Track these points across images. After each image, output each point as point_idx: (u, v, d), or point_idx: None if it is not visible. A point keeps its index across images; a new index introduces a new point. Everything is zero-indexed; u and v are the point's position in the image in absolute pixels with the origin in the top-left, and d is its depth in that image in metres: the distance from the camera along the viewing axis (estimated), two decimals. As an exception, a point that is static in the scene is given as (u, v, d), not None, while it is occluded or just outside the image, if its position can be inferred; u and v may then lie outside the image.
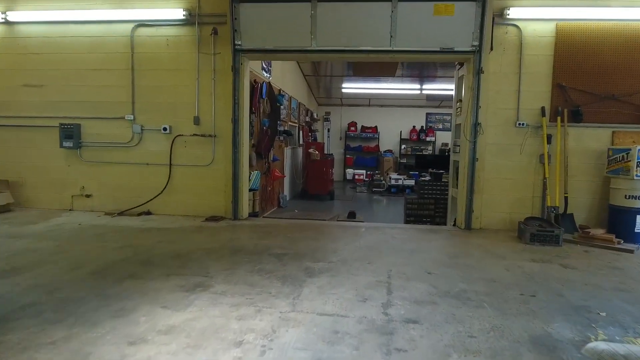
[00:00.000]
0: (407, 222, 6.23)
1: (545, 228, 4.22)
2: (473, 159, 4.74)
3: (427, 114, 14.47)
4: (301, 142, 10.52)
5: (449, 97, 13.36)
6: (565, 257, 3.68)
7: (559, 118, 4.66)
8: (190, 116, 5.09)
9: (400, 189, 11.15)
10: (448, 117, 14.35)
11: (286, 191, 9.12)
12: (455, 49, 4.63)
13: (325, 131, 14.62)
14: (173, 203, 5.23)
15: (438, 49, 4.64)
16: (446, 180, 6.23)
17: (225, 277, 2.90)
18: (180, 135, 5.15)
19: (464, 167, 4.83)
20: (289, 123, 9.33)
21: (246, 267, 3.12)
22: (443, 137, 14.32)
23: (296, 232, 4.45)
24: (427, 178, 6.22)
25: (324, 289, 2.70)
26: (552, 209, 4.60)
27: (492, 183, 4.81)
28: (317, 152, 9.49)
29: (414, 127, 14.25)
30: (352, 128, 14.46)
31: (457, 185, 5.53)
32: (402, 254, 3.64)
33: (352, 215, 7.33)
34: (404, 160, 14.21)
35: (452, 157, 5.80)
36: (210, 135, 5.08)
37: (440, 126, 14.42)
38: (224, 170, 5.08)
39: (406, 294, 2.64)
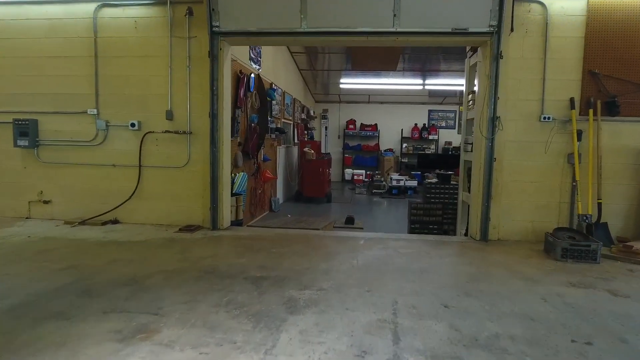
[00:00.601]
0: (411, 230, 5.56)
1: (579, 241, 3.53)
2: (490, 159, 4.06)
3: (430, 111, 13.79)
4: (296, 140, 9.84)
5: (453, 93, 12.68)
6: (610, 280, 3.00)
7: (591, 111, 3.98)
8: (162, 110, 4.41)
9: (401, 191, 10.47)
10: (452, 115, 13.67)
11: (279, 194, 8.43)
12: (470, 30, 3.95)
13: (323, 129, 13.93)
14: (143, 210, 4.54)
15: (449, 30, 3.95)
16: (455, 183, 5.56)
17: (181, 314, 2.21)
18: (150, 132, 4.46)
19: (479, 169, 4.15)
20: (283, 120, 8.65)
21: (212, 299, 2.44)
22: (446, 135, 13.64)
23: (283, 245, 3.78)
24: (434, 180, 5.53)
25: (309, 334, 2.02)
26: (584, 218, 3.93)
27: (511, 187, 4.13)
28: (312, 152, 8.81)
29: (415, 124, 13.57)
30: (351, 126, 13.77)
31: (468, 188, 4.85)
32: (409, 276, 2.96)
33: (350, 221, 6.66)
34: (405, 160, 13.52)
35: (463, 157, 5.12)
36: (185, 132, 4.40)
37: (444, 124, 13.74)
38: (202, 172, 4.40)
39: (419, 343, 1.96)
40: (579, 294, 2.68)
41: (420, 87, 11.72)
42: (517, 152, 4.10)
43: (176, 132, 4.40)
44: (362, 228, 6.48)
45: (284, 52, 8.84)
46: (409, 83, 11.52)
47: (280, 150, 8.45)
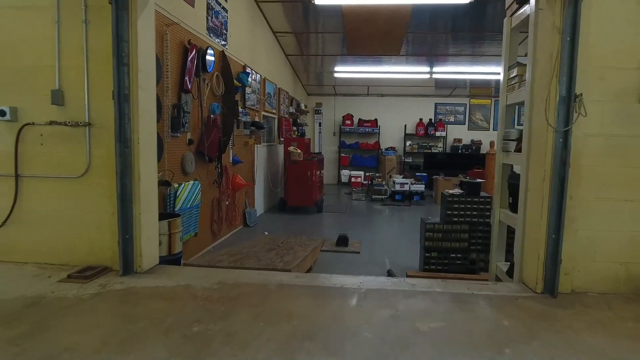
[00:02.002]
0: (426, 261, 4.01)
1: None
2: (562, 164, 2.51)
3: (437, 104, 12.25)
4: (282, 138, 8.29)
5: (462, 84, 11.11)
6: None
7: None
8: (46, 91, 2.86)
9: (406, 196, 8.94)
10: (461, 108, 12.14)
11: (258, 203, 6.88)
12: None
13: (316, 125, 12.39)
14: (24, 242, 3.00)
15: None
16: (488, 195, 4.01)
17: None
18: (30, 123, 2.91)
19: (542, 179, 2.60)
20: (263, 112, 7.10)
21: None
22: (455, 132, 12.10)
23: (218, 314, 2.24)
24: (457, 191, 3.99)
25: None
26: None
27: (593, 208, 2.58)
28: (299, 151, 7.26)
29: (420, 120, 12.03)
30: (348, 122, 12.23)
31: (510, 205, 3.32)
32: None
33: (342, 242, 5.14)
34: (409, 160, 12.00)
35: (500, 160, 3.59)
36: (82, 124, 2.85)
37: (452, 119, 12.21)
38: (109, 186, 2.85)
39: None
40: None
41: (427, 76, 10.16)
42: (605, 153, 2.55)
43: (69, 124, 2.85)
44: (358, 252, 4.94)
45: (266, 31, 7.29)
46: (413, 71, 9.96)
47: (259, 150, 6.90)
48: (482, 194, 4.03)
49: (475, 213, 3.95)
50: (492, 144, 8.80)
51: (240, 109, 5.66)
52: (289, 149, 7.26)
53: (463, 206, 3.95)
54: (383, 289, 2.64)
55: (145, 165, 2.88)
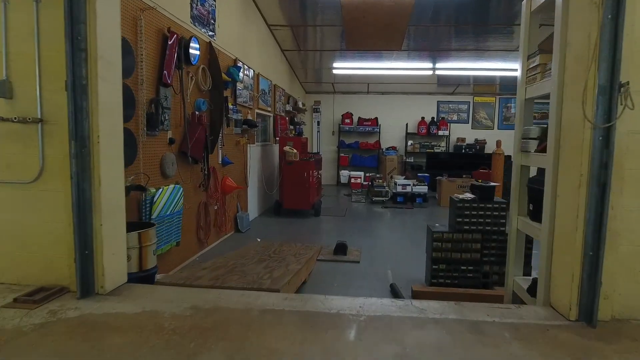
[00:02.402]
0: (434, 273, 3.59)
1: None
2: (603, 167, 2.08)
3: (439, 102, 11.85)
4: (277, 137, 7.88)
5: (466, 80, 10.70)
6: None
7: None
8: (-9, 80, 2.44)
9: (408, 198, 8.52)
10: (464, 106, 11.73)
11: (251, 207, 6.47)
12: None
13: (315, 124, 11.98)
14: (-30, 258, 2.58)
15: None
16: (503, 201, 3.59)
17: None
18: (-27, 119, 2.49)
19: (575, 185, 2.18)
20: (257, 110, 6.68)
21: None
22: (458, 131, 11.70)
23: (186, 354, 1.82)
24: (468, 196, 3.57)
25: None
26: None
27: (639, 219, 2.17)
28: (295, 151, 6.84)
29: (422, 118, 11.63)
30: (347, 120, 11.82)
31: (530, 213, 2.92)
32: None
33: (341, 250, 4.73)
34: (410, 160, 11.58)
35: (518, 161, 3.17)
36: (33, 120, 2.43)
37: (455, 117, 11.81)
38: (65, 192, 2.43)
39: None
40: None
41: (429, 73, 9.75)
42: (653, 154, 2.14)
43: (16, 120, 2.43)
44: (357, 261, 4.53)
45: (260, 24, 6.87)
46: (415, 67, 9.55)
47: (253, 150, 6.49)
48: (496, 198, 3.60)
49: (489, 220, 3.53)
50: (498, 143, 8.38)
51: (230, 106, 5.24)
52: (284, 148, 6.85)
53: (475, 213, 3.53)
54: (387, 316, 2.22)
55: (108, 168, 2.46)
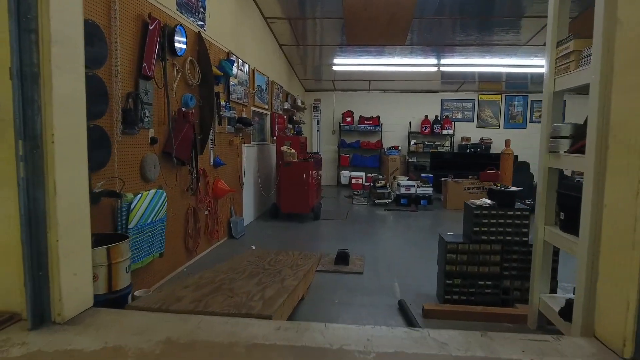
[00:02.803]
0: (447, 289, 3.20)
1: None
2: (668, 173, 1.69)
3: (443, 100, 11.46)
4: (275, 136, 7.49)
5: (471, 77, 10.28)
6: None
7: None
8: None
9: (412, 200, 8.13)
10: (469, 104, 11.34)
11: (247, 211, 6.07)
12: None
13: (314, 123, 11.59)
14: None
15: None
16: (526, 207, 3.19)
17: None
18: None
19: (632, 194, 1.78)
20: (252, 108, 6.29)
21: None
22: (463, 130, 11.31)
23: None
24: (485, 202, 3.18)
25: None
26: None
27: None
28: (293, 151, 6.45)
29: (426, 117, 11.25)
30: (348, 119, 11.43)
31: (560, 222, 2.53)
32: None
33: (342, 259, 4.35)
34: (414, 160, 11.19)
35: (545, 163, 2.78)
36: (-23, 116, 2.04)
37: (460, 115, 11.41)
38: (14, 203, 2.04)
39: None
40: None
41: (434, 69, 9.35)
42: None
43: (-42, 116, 2.03)
44: (361, 272, 4.15)
45: (256, 16, 6.47)
46: (419, 64, 9.15)
47: (248, 150, 6.09)
48: (518, 205, 3.21)
49: (510, 230, 3.14)
50: (507, 142, 7.98)
51: (222, 103, 4.84)
52: (281, 148, 6.45)
53: (494, 221, 3.13)
54: (401, 352, 1.82)
55: (66, 173, 2.06)
